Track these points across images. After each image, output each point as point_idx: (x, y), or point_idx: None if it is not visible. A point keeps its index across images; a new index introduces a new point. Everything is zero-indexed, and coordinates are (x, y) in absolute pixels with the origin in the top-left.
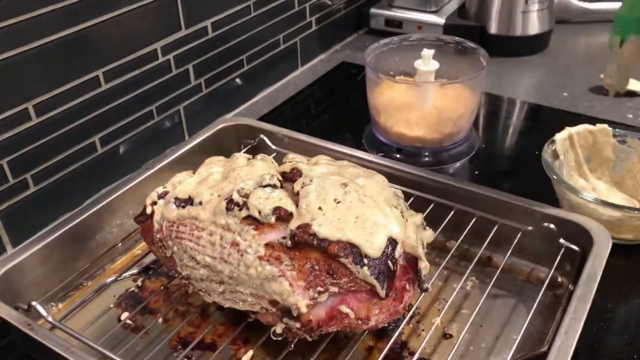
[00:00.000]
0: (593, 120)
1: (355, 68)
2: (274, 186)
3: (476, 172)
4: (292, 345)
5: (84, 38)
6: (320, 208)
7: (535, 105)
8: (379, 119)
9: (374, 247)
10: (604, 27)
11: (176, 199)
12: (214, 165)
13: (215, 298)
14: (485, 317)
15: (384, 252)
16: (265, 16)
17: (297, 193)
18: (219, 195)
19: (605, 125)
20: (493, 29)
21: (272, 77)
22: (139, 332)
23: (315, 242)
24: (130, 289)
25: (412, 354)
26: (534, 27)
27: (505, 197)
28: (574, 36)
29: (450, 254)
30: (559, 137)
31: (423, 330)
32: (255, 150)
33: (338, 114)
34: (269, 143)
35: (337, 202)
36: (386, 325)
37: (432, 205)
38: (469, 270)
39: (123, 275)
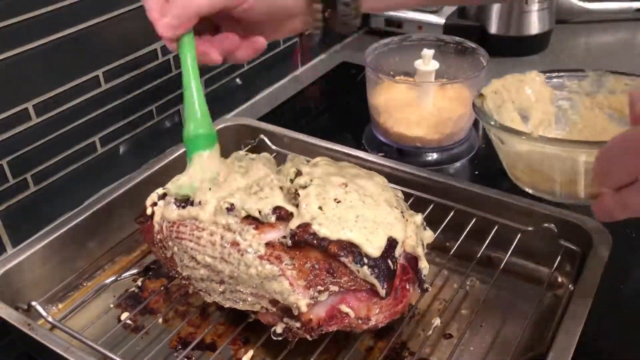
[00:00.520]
0: None
1: (355, 68)
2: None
3: (476, 172)
4: (293, 345)
5: (84, 38)
6: (320, 208)
7: None
8: (379, 119)
9: (374, 246)
10: (604, 27)
11: (176, 199)
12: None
13: (215, 298)
14: (485, 317)
15: (384, 251)
16: None
17: (297, 193)
18: (218, 197)
19: (535, 71)
20: (493, 29)
21: (272, 77)
22: (139, 332)
23: (315, 242)
24: (130, 289)
25: (412, 354)
26: (534, 27)
27: (505, 197)
28: (574, 36)
29: (450, 254)
30: (487, 90)
31: (423, 330)
32: (255, 150)
33: (338, 114)
34: (269, 143)
35: (338, 202)
36: (386, 324)
37: (432, 206)
38: (469, 270)
39: (123, 275)
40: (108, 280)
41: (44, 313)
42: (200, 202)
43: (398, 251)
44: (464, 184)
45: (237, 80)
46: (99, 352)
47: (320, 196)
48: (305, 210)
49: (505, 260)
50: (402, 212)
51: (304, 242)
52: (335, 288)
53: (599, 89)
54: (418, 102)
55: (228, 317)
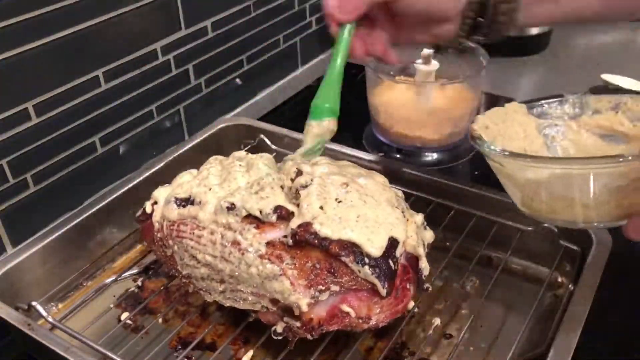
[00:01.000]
0: None
1: (355, 68)
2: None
3: (476, 172)
4: (293, 345)
5: (84, 38)
6: (321, 207)
7: None
8: (379, 119)
9: (375, 246)
10: (604, 27)
11: (177, 198)
12: (214, 166)
13: (215, 297)
14: (485, 317)
15: (385, 251)
16: (265, 16)
17: (298, 192)
18: (218, 197)
19: (514, 102)
20: None
21: (272, 77)
22: (139, 332)
23: (316, 241)
24: (130, 289)
25: (412, 354)
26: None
27: (506, 197)
28: (574, 36)
29: (450, 254)
30: (477, 126)
31: (423, 330)
32: (255, 150)
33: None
34: (269, 143)
35: (339, 202)
36: (386, 324)
37: (432, 205)
38: (469, 271)
39: (123, 275)
40: (108, 280)
41: (44, 313)
42: (200, 202)
43: (399, 251)
44: (464, 184)
45: (237, 80)
46: (99, 352)
47: (321, 196)
48: (306, 210)
49: (505, 260)
50: (402, 212)
51: (305, 241)
52: (336, 288)
53: (582, 110)
54: (418, 102)
55: (228, 317)
